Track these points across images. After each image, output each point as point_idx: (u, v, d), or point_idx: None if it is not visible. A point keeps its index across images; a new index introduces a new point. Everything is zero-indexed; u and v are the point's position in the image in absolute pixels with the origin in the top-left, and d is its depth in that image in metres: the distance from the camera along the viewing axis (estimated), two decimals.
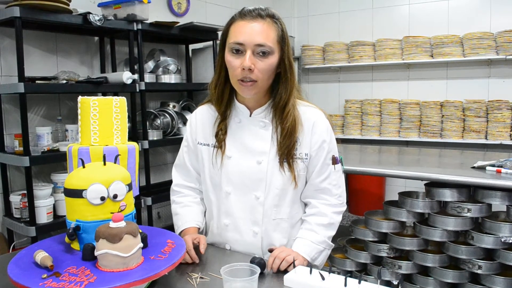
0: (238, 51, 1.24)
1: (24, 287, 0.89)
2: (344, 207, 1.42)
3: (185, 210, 1.46)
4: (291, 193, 1.36)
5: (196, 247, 1.28)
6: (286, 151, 1.31)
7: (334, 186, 1.38)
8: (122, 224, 0.94)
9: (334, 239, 1.41)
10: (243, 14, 1.26)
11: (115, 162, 1.09)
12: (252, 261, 1.15)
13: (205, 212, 1.51)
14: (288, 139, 1.30)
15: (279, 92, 1.30)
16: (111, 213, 1.00)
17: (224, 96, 1.36)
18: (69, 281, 0.89)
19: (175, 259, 0.99)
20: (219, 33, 3.55)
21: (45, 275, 0.92)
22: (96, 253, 0.94)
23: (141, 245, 0.97)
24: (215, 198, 1.42)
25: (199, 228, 1.44)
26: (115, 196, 1.02)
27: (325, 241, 1.35)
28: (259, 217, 1.35)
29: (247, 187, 1.34)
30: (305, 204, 1.43)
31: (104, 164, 1.05)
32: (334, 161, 1.37)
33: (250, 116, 1.36)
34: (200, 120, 1.44)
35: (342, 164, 1.43)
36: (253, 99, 1.34)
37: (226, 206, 1.38)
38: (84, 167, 1.05)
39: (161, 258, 0.99)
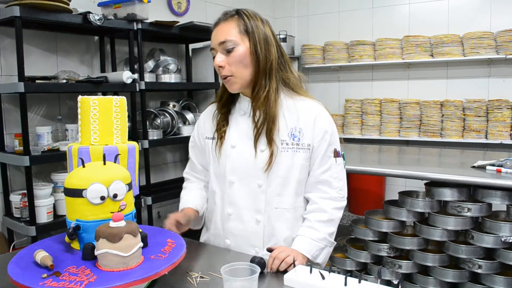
0: (214, 55, 1.35)
1: (24, 287, 0.89)
2: (345, 202, 1.42)
3: (187, 195, 1.53)
4: (294, 182, 1.37)
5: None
6: (262, 128, 1.34)
7: (335, 179, 1.39)
8: (122, 223, 0.94)
9: (334, 238, 1.40)
10: (214, 25, 1.37)
11: (115, 162, 1.09)
12: (252, 261, 1.15)
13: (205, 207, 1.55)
14: (263, 112, 1.33)
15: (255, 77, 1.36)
16: (111, 212, 1.00)
17: (223, 96, 1.44)
18: (69, 281, 0.89)
19: (175, 258, 0.99)
20: None
21: (45, 275, 0.92)
22: (96, 253, 0.94)
23: (141, 244, 0.97)
24: (219, 189, 1.45)
25: (197, 211, 1.47)
26: (115, 196, 1.02)
27: (325, 238, 1.35)
28: (261, 205, 1.37)
29: (250, 175, 1.37)
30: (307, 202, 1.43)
31: (104, 163, 1.05)
32: (336, 154, 1.39)
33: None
34: (209, 116, 1.51)
35: (344, 159, 1.44)
36: (250, 92, 1.38)
37: (230, 195, 1.40)
38: (84, 166, 1.05)
39: (161, 258, 0.99)
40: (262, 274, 1.15)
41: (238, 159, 1.38)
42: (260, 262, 1.15)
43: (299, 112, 1.37)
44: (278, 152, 1.34)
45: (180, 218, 1.36)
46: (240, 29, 1.32)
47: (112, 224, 0.94)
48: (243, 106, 1.42)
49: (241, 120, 1.42)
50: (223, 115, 1.44)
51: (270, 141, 1.34)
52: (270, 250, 1.28)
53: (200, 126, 1.54)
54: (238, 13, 1.35)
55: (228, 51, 1.31)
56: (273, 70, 1.35)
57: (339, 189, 1.40)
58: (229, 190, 1.40)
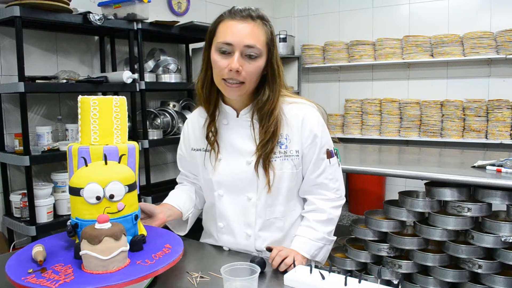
0: (226, 51, 1.21)
1: (9, 279, 0.90)
2: (343, 201, 1.40)
3: (173, 193, 1.49)
4: (285, 191, 1.34)
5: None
6: (264, 155, 1.28)
7: (331, 180, 1.36)
8: (107, 225, 0.93)
9: (334, 235, 1.39)
10: (233, 14, 1.23)
11: (119, 162, 1.08)
12: (252, 261, 1.14)
13: (199, 208, 1.53)
14: (268, 143, 1.28)
15: (266, 94, 1.28)
16: (108, 213, 1.00)
17: (211, 96, 1.34)
18: (47, 279, 0.89)
19: (159, 266, 0.96)
20: None
21: (31, 270, 0.92)
22: (80, 253, 0.94)
23: (125, 248, 0.94)
24: (209, 202, 1.43)
25: (180, 211, 1.42)
26: (111, 197, 1.01)
27: (324, 237, 1.34)
28: (251, 219, 1.34)
29: (239, 188, 1.34)
30: (304, 200, 1.42)
31: (106, 163, 1.05)
32: (329, 154, 1.35)
33: (237, 117, 1.35)
34: (192, 127, 1.44)
35: (338, 157, 1.41)
36: (238, 100, 1.32)
37: (220, 208, 1.38)
38: (86, 165, 1.05)
39: (146, 264, 0.96)
40: (262, 274, 1.15)
41: (226, 172, 1.34)
42: (260, 262, 1.15)
43: (285, 117, 1.31)
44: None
45: (143, 206, 1.29)
46: (267, 39, 1.24)
47: (96, 225, 0.93)
48: (227, 116, 1.36)
49: (224, 131, 1.36)
50: (212, 122, 1.36)
51: (269, 161, 1.29)
52: (269, 249, 1.27)
53: (185, 137, 1.46)
54: (263, 19, 1.24)
55: (250, 57, 1.21)
56: (281, 89, 1.31)
57: (336, 190, 1.37)
58: (218, 203, 1.38)
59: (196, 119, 1.44)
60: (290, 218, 1.38)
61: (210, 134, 1.36)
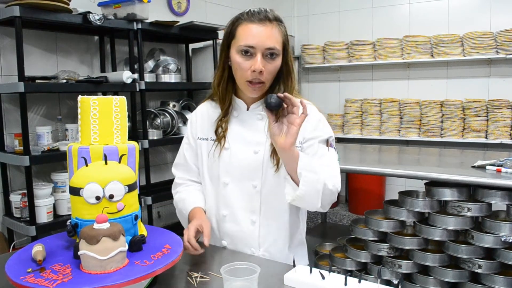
0: (247, 52, 1.26)
1: (9, 279, 0.90)
2: (336, 193, 1.29)
3: (191, 194, 1.47)
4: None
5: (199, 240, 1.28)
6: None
7: (327, 167, 1.30)
8: (105, 225, 0.93)
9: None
10: (251, 16, 1.28)
11: (119, 162, 1.08)
12: (267, 100, 1.12)
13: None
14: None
15: (281, 89, 1.33)
16: (108, 213, 1.00)
17: (227, 94, 1.39)
18: (46, 278, 0.89)
19: (157, 267, 0.96)
20: (219, 33, 3.56)
21: (30, 269, 0.93)
22: (78, 253, 0.94)
23: (123, 249, 0.94)
24: (213, 191, 1.43)
25: (205, 211, 1.43)
26: (111, 197, 1.01)
27: (320, 179, 1.21)
28: (256, 206, 1.36)
29: (244, 176, 1.36)
30: None
31: (106, 163, 1.05)
32: (328, 144, 1.36)
33: (248, 110, 1.39)
34: (200, 117, 1.48)
35: (337, 153, 1.40)
36: (251, 97, 1.36)
37: (224, 197, 1.39)
38: (87, 165, 1.05)
39: (144, 264, 0.97)
40: (262, 274, 1.14)
41: (233, 160, 1.37)
42: (276, 101, 1.11)
43: None
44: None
45: (205, 240, 1.26)
46: (282, 39, 1.30)
47: (95, 225, 0.93)
48: (237, 108, 1.41)
49: (234, 123, 1.40)
50: (224, 118, 1.40)
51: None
52: (278, 98, 1.14)
53: (192, 125, 1.49)
54: (278, 19, 1.30)
55: (270, 58, 1.27)
56: (295, 85, 1.36)
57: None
58: (223, 192, 1.39)
59: (206, 110, 1.47)
60: (292, 211, 1.39)
61: (220, 129, 1.40)
